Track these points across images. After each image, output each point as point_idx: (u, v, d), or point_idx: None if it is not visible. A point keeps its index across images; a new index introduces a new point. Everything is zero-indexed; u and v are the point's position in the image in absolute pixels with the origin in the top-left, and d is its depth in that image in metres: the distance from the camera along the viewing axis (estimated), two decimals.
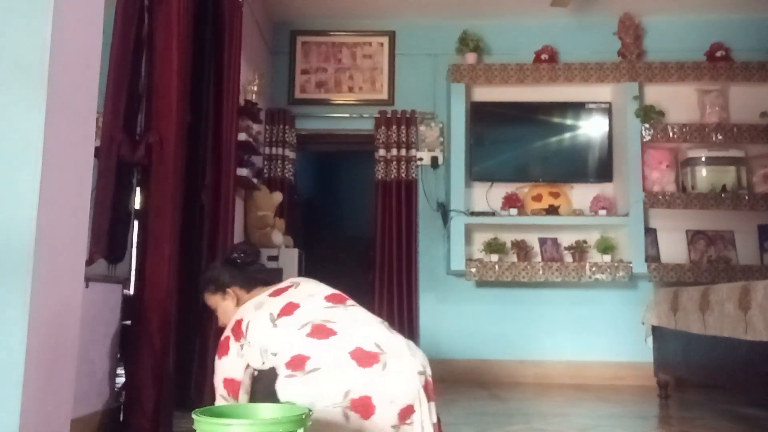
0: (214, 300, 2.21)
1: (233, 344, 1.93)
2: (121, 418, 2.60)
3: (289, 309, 1.91)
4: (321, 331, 1.81)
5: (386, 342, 1.81)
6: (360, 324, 1.88)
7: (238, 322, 1.94)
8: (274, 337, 1.85)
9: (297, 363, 1.75)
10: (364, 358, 1.73)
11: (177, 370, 3.05)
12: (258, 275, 2.21)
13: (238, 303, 2.12)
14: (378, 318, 1.97)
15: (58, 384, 1.75)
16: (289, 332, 1.83)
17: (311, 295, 1.98)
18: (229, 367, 1.93)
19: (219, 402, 1.97)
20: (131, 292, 2.78)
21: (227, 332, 1.98)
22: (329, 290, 2.03)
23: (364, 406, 1.67)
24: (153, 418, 2.61)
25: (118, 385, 2.74)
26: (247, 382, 1.92)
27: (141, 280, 2.69)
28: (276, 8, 5.11)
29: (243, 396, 1.92)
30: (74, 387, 1.88)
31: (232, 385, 1.93)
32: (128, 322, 2.73)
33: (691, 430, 3.06)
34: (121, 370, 2.76)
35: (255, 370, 1.90)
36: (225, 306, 2.17)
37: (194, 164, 3.41)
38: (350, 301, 2.01)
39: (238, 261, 2.20)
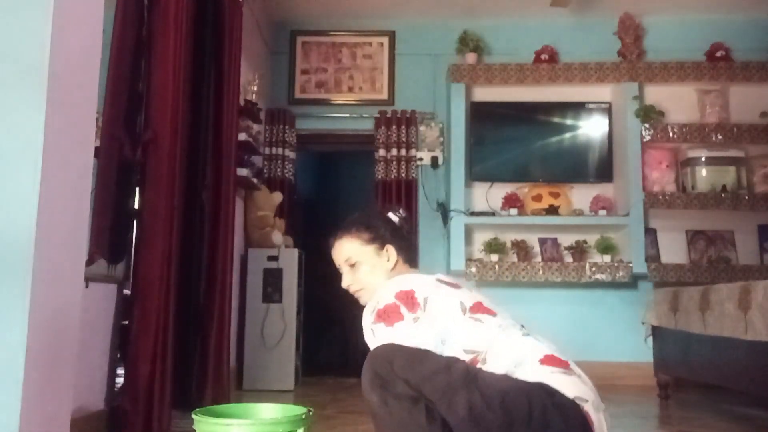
0: (361, 251, 1.78)
1: (406, 312, 1.56)
2: (121, 418, 2.60)
3: (484, 309, 1.61)
4: (547, 343, 1.59)
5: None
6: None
7: (407, 292, 1.59)
8: (475, 329, 1.55)
9: (556, 361, 1.51)
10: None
11: (177, 370, 3.06)
12: (412, 251, 1.87)
13: (394, 268, 1.77)
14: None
15: (58, 384, 1.75)
16: (507, 330, 1.57)
17: (496, 305, 1.69)
18: (413, 333, 1.54)
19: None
20: (129, 292, 2.77)
21: (389, 299, 1.59)
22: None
23: None
24: (152, 418, 2.61)
25: (118, 385, 2.73)
26: None
27: (136, 280, 2.69)
28: (276, 8, 5.11)
29: None
30: (74, 387, 1.88)
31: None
32: (127, 322, 2.73)
33: (691, 430, 3.06)
34: (120, 370, 2.76)
35: None
36: (376, 264, 1.77)
37: (194, 164, 3.42)
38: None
39: (398, 224, 1.83)
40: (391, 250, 1.77)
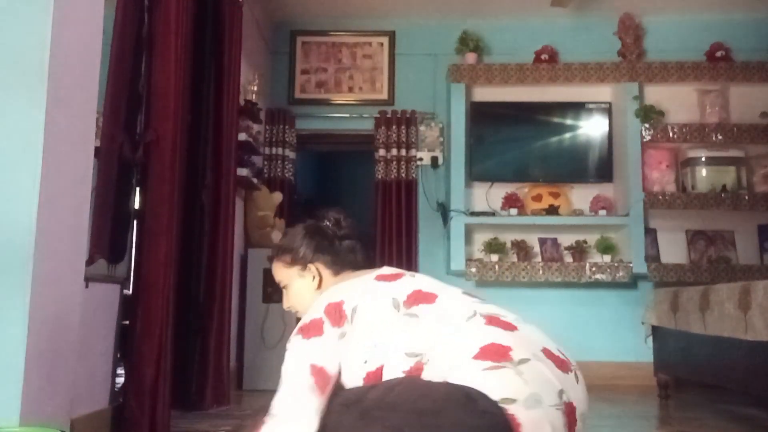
0: (286, 274, 1.75)
1: (329, 328, 1.49)
2: (121, 418, 2.60)
3: (422, 297, 1.49)
4: (499, 322, 1.44)
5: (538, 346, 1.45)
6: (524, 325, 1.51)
7: (336, 305, 1.51)
8: (413, 329, 1.43)
9: (491, 352, 1.35)
10: (558, 361, 1.41)
11: (177, 370, 3.06)
12: (350, 255, 1.73)
13: (320, 285, 1.71)
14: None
15: (58, 384, 1.75)
16: (447, 320, 1.44)
17: (444, 287, 1.57)
18: (322, 352, 1.47)
19: (284, 403, 1.43)
20: (130, 292, 2.77)
21: (317, 314, 1.52)
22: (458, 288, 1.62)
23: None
24: (152, 418, 2.61)
25: (118, 385, 2.74)
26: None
27: (138, 280, 2.69)
28: (276, 8, 5.11)
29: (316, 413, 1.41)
30: (74, 387, 1.88)
31: (322, 376, 1.44)
32: (128, 322, 2.73)
33: (691, 430, 3.06)
34: (121, 370, 2.76)
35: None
36: (301, 285, 1.73)
37: (194, 164, 3.42)
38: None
39: (329, 231, 1.74)
40: (313, 269, 1.71)
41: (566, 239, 4.93)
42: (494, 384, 1.30)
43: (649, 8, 5.05)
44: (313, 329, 1.49)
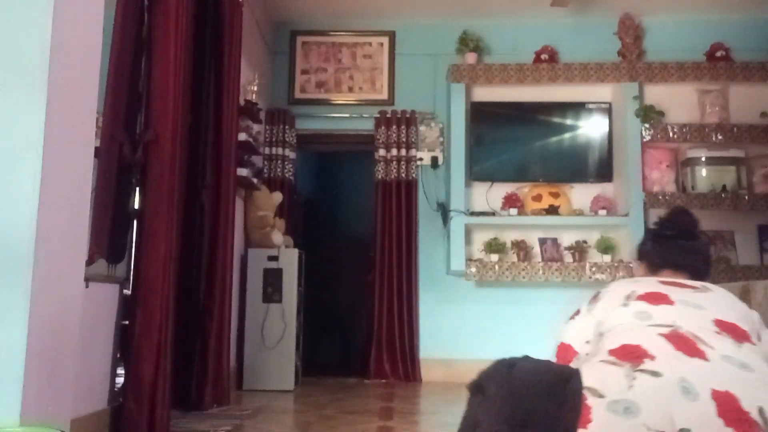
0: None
1: (584, 309, 1.57)
2: (121, 418, 2.60)
3: (656, 298, 1.41)
4: (683, 342, 1.25)
5: None
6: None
7: (598, 294, 1.58)
8: (614, 313, 1.42)
9: (628, 353, 1.24)
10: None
11: (177, 370, 3.06)
12: (669, 255, 1.67)
13: None
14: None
15: (58, 384, 1.75)
16: (637, 319, 1.36)
17: (700, 306, 1.38)
18: (571, 331, 1.55)
19: None
20: (130, 292, 2.77)
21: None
22: (728, 318, 1.36)
23: None
24: (151, 418, 2.61)
25: (118, 386, 2.74)
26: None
27: (137, 280, 2.69)
28: (276, 8, 5.11)
29: None
30: (74, 387, 1.88)
31: (565, 353, 1.51)
32: (127, 322, 2.73)
33: None
34: (120, 370, 2.76)
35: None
36: None
37: (194, 164, 3.42)
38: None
39: (658, 232, 1.77)
40: (640, 267, 1.80)
41: (566, 239, 4.93)
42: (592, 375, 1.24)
43: (649, 8, 5.05)
44: (575, 312, 1.61)
